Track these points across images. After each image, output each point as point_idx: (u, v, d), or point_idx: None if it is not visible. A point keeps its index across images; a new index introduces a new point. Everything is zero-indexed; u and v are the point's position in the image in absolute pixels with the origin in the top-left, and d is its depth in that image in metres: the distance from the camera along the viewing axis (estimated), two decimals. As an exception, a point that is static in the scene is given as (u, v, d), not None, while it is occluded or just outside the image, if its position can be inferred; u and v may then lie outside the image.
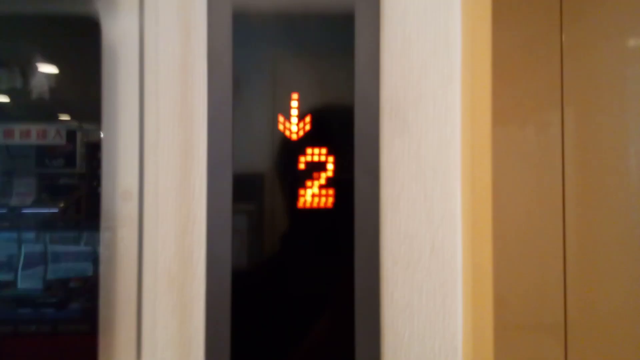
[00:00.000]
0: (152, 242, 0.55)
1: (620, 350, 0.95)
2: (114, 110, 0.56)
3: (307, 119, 0.55)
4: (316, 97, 0.56)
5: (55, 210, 0.63)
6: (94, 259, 0.58)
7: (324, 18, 0.56)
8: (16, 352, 0.58)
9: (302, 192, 0.55)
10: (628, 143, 0.97)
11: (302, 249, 0.56)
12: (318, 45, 0.56)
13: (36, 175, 0.62)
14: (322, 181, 0.55)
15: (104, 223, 0.55)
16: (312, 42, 0.56)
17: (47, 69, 0.52)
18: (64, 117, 0.59)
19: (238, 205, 0.54)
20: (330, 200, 0.55)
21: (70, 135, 0.59)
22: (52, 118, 0.58)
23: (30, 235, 0.64)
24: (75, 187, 0.64)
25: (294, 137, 0.55)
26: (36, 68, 0.51)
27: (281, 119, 0.55)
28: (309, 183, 0.55)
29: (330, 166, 0.55)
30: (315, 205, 0.55)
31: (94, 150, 0.60)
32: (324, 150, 0.55)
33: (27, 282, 0.62)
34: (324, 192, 0.55)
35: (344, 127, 0.56)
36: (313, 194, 0.55)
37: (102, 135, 0.52)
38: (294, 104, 0.55)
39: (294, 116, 0.55)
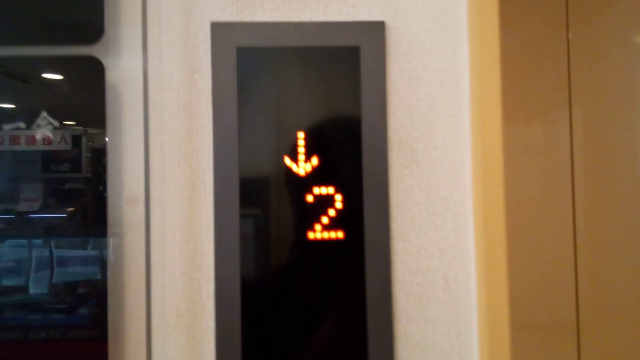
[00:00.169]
0: (159, 246, 0.55)
1: (633, 348, 0.93)
2: (119, 149, 0.56)
3: (314, 157, 0.55)
4: (323, 133, 0.55)
5: (62, 215, 0.63)
6: (102, 263, 0.59)
7: (329, 53, 0.55)
8: (28, 356, 0.58)
9: (310, 226, 0.55)
10: (636, 141, 0.95)
11: (312, 283, 0.55)
12: (324, 80, 0.55)
13: (42, 180, 0.63)
14: (331, 214, 0.55)
15: (111, 229, 0.55)
16: (317, 78, 0.55)
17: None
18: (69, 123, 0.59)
19: (245, 237, 0.54)
20: (340, 234, 0.55)
21: (76, 140, 0.59)
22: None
23: (38, 240, 0.64)
24: (81, 192, 0.64)
25: (302, 173, 0.55)
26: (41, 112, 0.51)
27: (287, 158, 0.55)
28: (317, 217, 0.55)
29: (338, 197, 0.55)
30: (325, 238, 0.55)
31: (99, 155, 0.60)
32: (331, 187, 0.54)
33: (38, 287, 0.63)
34: (332, 225, 0.55)
35: (351, 161, 0.55)
36: (322, 228, 0.55)
37: (107, 184, 0.52)
38: (301, 142, 0.54)
39: (300, 154, 0.54)
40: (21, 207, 0.62)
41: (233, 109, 0.54)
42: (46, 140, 0.56)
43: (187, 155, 0.55)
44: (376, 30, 0.55)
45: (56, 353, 0.60)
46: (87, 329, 0.61)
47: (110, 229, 0.55)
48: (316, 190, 0.55)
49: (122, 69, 0.55)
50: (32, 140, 0.56)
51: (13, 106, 0.59)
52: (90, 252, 0.67)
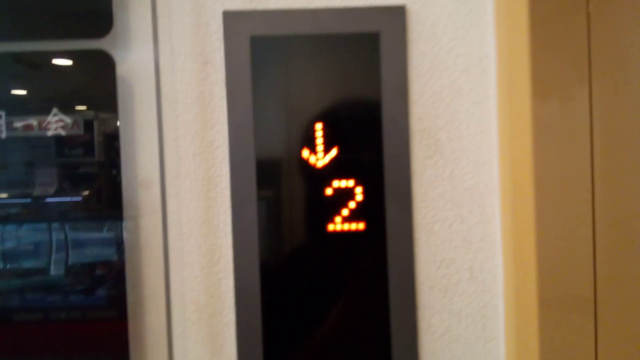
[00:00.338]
0: (177, 242, 0.56)
1: None
2: (132, 139, 0.55)
3: (333, 148, 0.53)
4: (342, 124, 0.54)
5: (77, 198, 0.65)
6: (118, 245, 0.61)
7: (347, 40, 0.53)
8: (48, 337, 0.60)
9: (330, 219, 0.54)
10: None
11: (333, 275, 0.55)
12: (342, 68, 0.54)
13: (57, 165, 0.64)
14: (352, 206, 0.54)
15: (126, 212, 0.56)
16: (335, 66, 0.54)
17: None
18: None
19: (264, 231, 0.54)
20: (361, 225, 0.54)
21: (87, 125, 0.60)
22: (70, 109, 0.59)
23: (56, 223, 0.66)
24: (95, 176, 0.65)
25: (320, 165, 0.54)
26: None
27: (306, 150, 0.53)
28: (337, 210, 0.54)
29: (358, 189, 0.54)
30: (345, 230, 0.54)
31: (112, 139, 0.61)
32: (351, 179, 0.53)
33: (57, 268, 0.65)
34: (353, 217, 0.54)
35: (372, 152, 0.54)
36: (342, 220, 0.54)
37: (122, 179, 0.51)
38: (319, 133, 0.53)
39: (319, 145, 0.53)
40: (37, 191, 0.63)
41: (248, 100, 0.53)
42: (26, 128, 0.56)
43: (202, 149, 0.55)
44: (396, 15, 0.53)
45: (76, 332, 0.61)
46: (105, 309, 0.63)
47: (126, 212, 0.56)
48: (335, 182, 0.54)
49: (133, 62, 0.54)
50: (45, 126, 0.56)
51: (24, 92, 0.59)
52: (106, 234, 0.68)
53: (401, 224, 0.54)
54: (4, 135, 0.50)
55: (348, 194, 0.54)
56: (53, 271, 0.67)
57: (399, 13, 0.53)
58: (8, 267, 0.67)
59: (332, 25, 0.53)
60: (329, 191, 0.54)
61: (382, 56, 0.53)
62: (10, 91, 0.55)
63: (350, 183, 0.54)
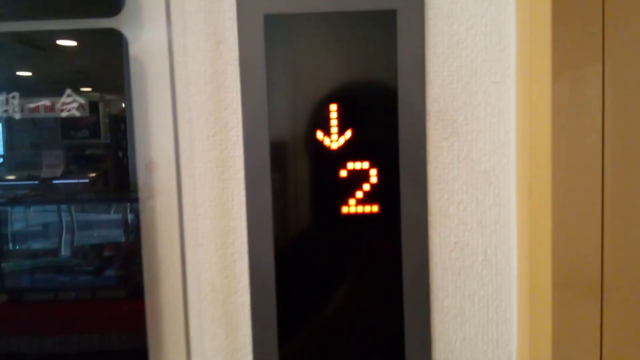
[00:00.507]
0: (192, 223, 0.57)
1: None
2: (145, 119, 0.55)
3: (348, 130, 0.53)
4: (357, 105, 0.54)
5: (85, 180, 0.65)
6: (127, 226, 0.62)
7: (363, 18, 0.52)
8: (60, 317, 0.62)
9: (344, 201, 0.54)
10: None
11: (346, 256, 0.56)
12: (357, 47, 0.53)
13: (63, 147, 0.64)
14: (366, 188, 0.54)
15: (141, 193, 0.57)
16: (350, 45, 0.53)
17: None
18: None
19: (278, 213, 0.54)
20: (375, 208, 0.54)
21: (93, 106, 0.60)
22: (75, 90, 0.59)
23: (64, 205, 0.68)
24: (102, 157, 0.66)
25: (335, 147, 0.54)
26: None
27: (320, 132, 0.53)
28: (351, 192, 0.54)
29: (373, 171, 0.54)
30: (359, 212, 0.54)
31: (117, 121, 0.62)
32: (366, 161, 0.54)
33: (68, 249, 0.67)
34: (367, 200, 0.54)
35: (387, 134, 0.54)
36: (356, 202, 0.54)
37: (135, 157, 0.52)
38: (334, 114, 0.53)
39: (333, 127, 0.53)
40: (44, 173, 0.64)
41: (262, 81, 0.53)
42: (35, 110, 0.57)
43: (216, 131, 0.55)
44: None
45: (95, 311, 0.63)
46: (120, 289, 0.64)
47: (141, 193, 0.57)
48: (350, 164, 0.54)
49: (145, 41, 0.54)
50: (50, 108, 0.56)
51: (29, 74, 0.59)
52: (114, 215, 0.69)
53: (416, 207, 0.54)
54: (18, 116, 0.50)
55: (362, 176, 0.54)
56: (65, 252, 0.68)
57: None
58: (26, 248, 0.68)
59: (348, 3, 0.52)
60: (343, 173, 0.54)
61: (398, 35, 0.52)
62: (15, 72, 0.55)
63: (365, 165, 0.53)
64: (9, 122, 0.59)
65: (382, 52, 0.53)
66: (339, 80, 0.53)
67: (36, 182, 0.65)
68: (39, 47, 0.55)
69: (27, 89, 0.53)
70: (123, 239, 0.68)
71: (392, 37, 0.52)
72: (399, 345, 0.55)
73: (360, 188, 0.54)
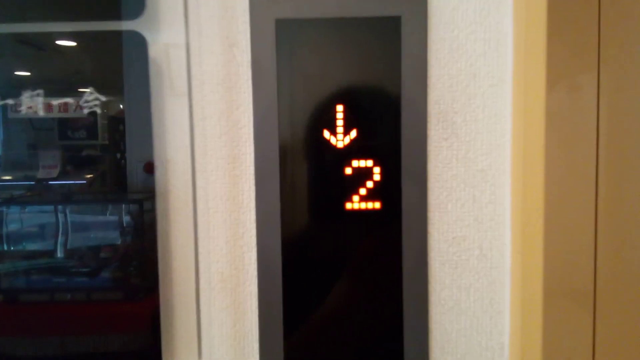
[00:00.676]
0: (204, 216, 0.58)
1: None
2: (162, 118, 0.58)
3: (353, 129, 0.55)
4: (362, 106, 0.56)
5: (82, 181, 0.65)
6: (129, 227, 0.63)
7: (369, 23, 0.54)
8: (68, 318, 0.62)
9: (348, 197, 0.56)
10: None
11: (349, 250, 0.58)
12: (363, 51, 0.55)
13: (60, 147, 0.63)
14: (369, 185, 0.56)
15: (158, 188, 0.58)
16: (357, 49, 0.55)
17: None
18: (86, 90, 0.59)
19: (286, 207, 0.56)
20: (377, 204, 0.56)
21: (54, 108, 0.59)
22: (74, 91, 0.59)
23: (59, 206, 0.66)
24: (98, 159, 0.65)
25: (340, 145, 0.56)
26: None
27: (326, 131, 0.56)
28: (355, 189, 0.56)
29: (376, 169, 0.56)
30: (362, 208, 0.56)
31: (116, 122, 0.62)
32: (370, 159, 0.56)
33: (66, 251, 0.66)
34: (370, 196, 0.56)
35: (390, 134, 0.56)
36: (360, 199, 0.56)
37: (154, 158, 0.54)
38: (340, 115, 0.55)
39: (339, 126, 0.55)
40: (40, 174, 0.64)
41: (272, 82, 0.55)
42: (62, 108, 0.57)
43: (228, 129, 0.57)
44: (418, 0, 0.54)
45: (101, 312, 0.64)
46: (116, 290, 0.65)
47: (157, 188, 0.59)
48: (355, 162, 0.56)
49: (164, 44, 0.56)
50: (48, 107, 0.57)
51: (28, 74, 0.59)
52: (126, 218, 0.69)
53: (416, 203, 0.56)
54: (41, 113, 0.52)
55: (366, 173, 0.56)
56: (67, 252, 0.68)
57: None
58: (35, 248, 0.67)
59: (355, 9, 0.54)
60: (348, 171, 0.56)
61: (402, 40, 0.54)
62: (39, 71, 0.56)
63: (369, 163, 0.56)
64: (6, 122, 0.60)
65: (386, 56, 0.55)
66: (345, 82, 0.55)
67: (59, 181, 0.64)
68: (37, 46, 0.57)
69: (50, 87, 0.55)
70: (132, 239, 0.68)
71: (396, 42, 0.54)
72: (398, 334, 0.57)
73: (364, 185, 0.56)
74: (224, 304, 0.59)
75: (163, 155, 0.57)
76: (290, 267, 0.57)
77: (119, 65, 0.53)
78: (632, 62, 0.93)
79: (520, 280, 0.56)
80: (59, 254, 0.65)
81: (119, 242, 0.66)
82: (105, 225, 0.68)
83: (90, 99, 0.52)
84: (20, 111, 0.53)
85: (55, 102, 0.52)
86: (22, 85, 0.54)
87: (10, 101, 0.55)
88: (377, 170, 0.56)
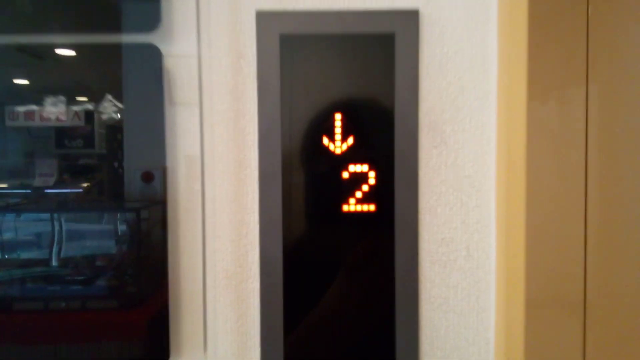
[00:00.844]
0: (211, 217, 0.61)
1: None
2: (174, 125, 0.61)
3: (350, 137, 0.59)
4: (358, 115, 0.59)
5: (78, 190, 0.65)
6: (126, 236, 0.64)
7: (366, 39, 0.58)
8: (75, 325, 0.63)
9: (345, 200, 0.59)
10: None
11: (346, 250, 0.60)
12: (360, 65, 0.59)
13: (57, 156, 0.64)
14: (365, 189, 0.59)
15: (169, 191, 0.60)
16: (354, 63, 0.59)
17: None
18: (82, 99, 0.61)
19: (287, 209, 0.59)
20: (372, 207, 0.59)
21: (88, 116, 0.61)
22: (71, 100, 0.60)
23: (55, 214, 0.66)
24: (94, 167, 0.65)
25: (338, 151, 0.59)
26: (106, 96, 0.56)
27: (325, 138, 0.59)
28: (351, 192, 0.59)
29: (371, 174, 0.59)
30: (358, 210, 0.59)
31: (114, 131, 0.62)
32: (365, 165, 0.59)
33: (62, 259, 0.65)
34: (365, 199, 0.59)
35: (384, 142, 0.59)
36: (356, 201, 0.59)
37: (167, 163, 0.57)
38: (338, 123, 0.59)
39: (337, 134, 0.59)
40: (37, 182, 0.64)
41: (276, 92, 0.58)
42: (59, 117, 0.58)
43: (235, 136, 0.60)
44: (410, 19, 0.58)
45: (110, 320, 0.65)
46: (111, 298, 0.65)
47: (169, 191, 0.62)
48: (351, 167, 0.59)
49: (177, 56, 0.59)
50: (93, 112, 0.59)
51: (26, 82, 0.61)
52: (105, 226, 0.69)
53: (408, 207, 0.60)
54: (64, 118, 0.55)
55: (362, 178, 0.59)
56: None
57: (413, 17, 0.58)
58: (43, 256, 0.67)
59: (353, 26, 0.58)
60: (345, 175, 0.59)
61: (396, 55, 0.58)
62: (61, 79, 0.59)
63: (365, 168, 0.59)
64: (3, 130, 0.60)
65: (381, 69, 0.58)
66: (344, 93, 0.59)
67: (78, 190, 0.65)
68: (34, 55, 0.58)
69: (70, 95, 0.58)
70: (136, 247, 0.68)
71: (390, 57, 0.58)
72: (390, 329, 0.59)
73: (360, 189, 0.59)
74: (228, 300, 0.61)
75: (174, 160, 0.60)
76: (290, 266, 0.60)
77: (134, 74, 0.57)
78: (620, 75, 0.97)
79: (504, 280, 0.59)
80: (54, 262, 0.65)
81: (124, 250, 0.67)
82: (110, 234, 0.68)
83: (108, 105, 0.55)
84: (48, 118, 0.56)
85: (76, 107, 0.56)
86: (44, 93, 0.57)
87: (22, 108, 0.58)
88: (372, 174, 0.59)
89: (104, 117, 0.55)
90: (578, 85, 0.97)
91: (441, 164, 0.60)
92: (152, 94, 0.58)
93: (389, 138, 0.59)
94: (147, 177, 0.61)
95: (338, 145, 0.59)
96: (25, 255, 0.65)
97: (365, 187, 0.59)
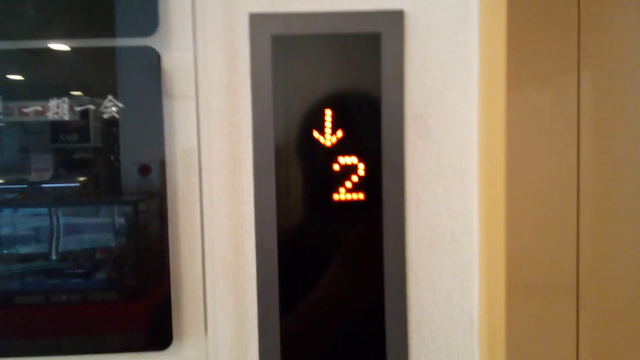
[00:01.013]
0: (209, 208, 0.63)
1: (634, 312, 0.96)
2: (173, 122, 0.64)
3: (339, 130, 0.62)
4: (347, 110, 0.62)
5: (75, 184, 0.65)
6: (122, 229, 0.65)
7: (354, 39, 0.61)
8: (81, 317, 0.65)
9: (336, 190, 0.62)
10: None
11: (337, 237, 0.63)
12: (349, 63, 0.61)
13: (52, 150, 0.64)
14: (354, 179, 0.62)
15: (169, 184, 0.62)
16: (343, 61, 0.61)
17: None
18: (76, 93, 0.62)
19: (280, 200, 0.62)
20: (361, 196, 0.62)
21: (83, 111, 0.62)
22: (66, 95, 0.61)
23: (53, 208, 0.66)
24: (91, 161, 0.66)
25: (328, 144, 0.62)
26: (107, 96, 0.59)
27: (316, 132, 0.62)
28: (342, 182, 0.62)
29: (360, 165, 0.62)
30: (348, 199, 0.62)
31: (109, 126, 0.63)
32: (354, 157, 0.62)
33: (61, 253, 0.65)
34: (355, 189, 0.62)
35: (372, 134, 0.62)
36: (346, 191, 0.62)
37: (166, 157, 0.60)
38: (328, 118, 0.61)
39: (327, 128, 0.61)
40: (33, 177, 0.64)
41: (269, 90, 0.61)
42: (107, 111, 0.60)
43: (230, 131, 0.63)
44: (396, 18, 0.60)
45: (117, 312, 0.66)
46: (110, 290, 0.66)
47: (169, 184, 0.64)
48: (341, 159, 0.62)
49: (174, 58, 0.62)
50: (95, 110, 0.59)
51: (21, 78, 0.61)
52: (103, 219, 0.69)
53: (395, 195, 0.62)
54: (67, 117, 0.58)
55: (351, 169, 0.62)
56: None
57: (398, 17, 0.61)
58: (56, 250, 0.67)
59: (341, 27, 0.60)
60: (335, 167, 0.61)
61: (382, 53, 0.60)
62: (65, 80, 0.61)
63: (354, 160, 0.61)
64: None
65: (368, 67, 0.61)
66: (333, 90, 0.61)
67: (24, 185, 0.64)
68: (29, 50, 0.59)
69: (68, 92, 0.60)
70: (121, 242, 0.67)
71: (377, 55, 0.61)
72: (380, 309, 0.62)
73: (350, 179, 0.61)
74: (227, 285, 0.64)
75: (172, 153, 0.63)
76: (284, 252, 0.62)
77: (133, 75, 0.60)
78: (612, 62, 0.98)
79: (486, 261, 0.62)
80: (53, 256, 0.65)
81: (123, 242, 0.67)
82: (109, 227, 0.67)
83: (109, 105, 0.58)
84: (47, 115, 0.59)
85: (79, 107, 0.59)
86: (49, 92, 0.60)
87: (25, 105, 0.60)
88: (361, 166, 0.62)
89: (105, 116, 0.58)
90: (554, 76, 0.98)
91: (426, 155, 0.63)
92: (150, 91, 0.60)
93: (377, 131, 0.61)
94: (144, 169, 0.62)
95: (328, 139, 0.62)
96: (24, 250, 0.66)
97: (354, 178, 0.62)
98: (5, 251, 0.66)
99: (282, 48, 0.61)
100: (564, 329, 0.98)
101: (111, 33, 0.60)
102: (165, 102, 0.63)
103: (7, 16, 0.60)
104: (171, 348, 0.64)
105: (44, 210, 0.67)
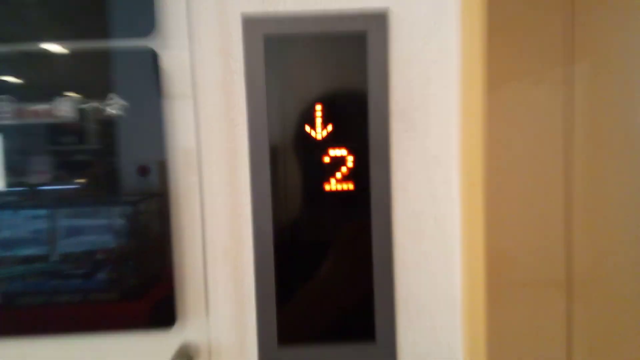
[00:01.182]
0: (209, 198, 0.65)
1: (626, 307, 0.97)
2: (173, 120, 0.66)
3: (329, 124, 0.64)
4: (336, 105, 0.64)
5: (75, 185, 0.65)
6: (122, 230, 0.65)
7: (342, 38, 0.63)
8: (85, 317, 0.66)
9: (327, 180, 0.65)
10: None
11: (329, 224, 0.66)
12: (337, 60, 0.64)
13: (50, 152, 0.64)
14: (344, 170, 0.65)
15: (171, 176, 0.63)
16: (331, 59, 0.63)
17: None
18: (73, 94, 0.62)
19: (276, 190, 0.65)
20: (351, 186, 0.65)
21: (83, 112, 0.62)
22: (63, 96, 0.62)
23: (53, 210, 0.66)
24: (88, 163, 0.66)
25: (319, 138, 0.65)
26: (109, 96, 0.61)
27: (307, 126, 0.64)
28: (332, 173, 0.65)
29: (350, 157, 0.65)
30: (338, 189, 0.65)
31: (108, 126, 0.63)
32: (344, 149, 0.64)
33: (63, 254, 0.65)
34: (344, 179, 0.65)
35: (360, 128, 0.64)
36: (336, 181, 0.65)
37: (167, 158, 0.63)
38: (318, 113, 0.64)
39: (318, 122, 0.64)
40: (33, 179, 0.64)
41: (262, 87, 0.63)
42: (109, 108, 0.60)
43: (226, 126, 0.65)
44: (381, 18, 0.63)
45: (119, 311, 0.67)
46: (112, 291, 0.66)
47: (171, 176, 0.66)
48: (331, 152, 0.64)
49: (171, 57, 0.64)
50: (98, 108, 0.60)
51: (20, 81, 0.62)
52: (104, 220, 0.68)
53: (382, 184, 0.64)
54: (68, 118, 0.61)
55: (341, 161, 0.64)
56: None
57: (383, 16, 0.63)
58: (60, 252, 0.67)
59: (329, 26, 0.62)
60: (326, 159, 0.64)
61: (368, 51, 0.63)
62: (68, 80, 0.63)
63: (343, 152, 0.64)
64: (2, 128, 0.62)
65: (355, 64, 0.63)
66: (322, 86, 0.64)
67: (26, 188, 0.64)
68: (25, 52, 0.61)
69: (68, 93, 0.61)
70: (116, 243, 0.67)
71: (363, 53, 0.63)
72: (369, 290, 0.64)
73: (340, 170, 0.64)
74: (226, 270, 0.67)
75: (174, 149, 0.66)
76: (280, 239, 0.65)
77: (133, 76, 0.62)
78: (606, 56, 0.99)
79: (467, 245, 0.65)
80: (54, 257, 0.65)
81: (123, 243, 0.67)
82: (109, 228, 0.67)
83: (112, 102, 0.61)
84: (53, 114, 0.61)
85: (83, 105, 0.62)
86: (49, 94, 0.62)
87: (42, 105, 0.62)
88: (350, 158, 0.64)
89: (105, 116, 0.60)
90: (532, 70, 0.99)
91: (411, 146, 0.66)
92: (151, 91, 0.63)
93: (364, 125, 0.64)
94: (143, 170, 0.64)
95: (319, 132, 0.64)
96: (25, 252, 0.66)
97: (344, 169, 0.65)
98: (6, 253, 0.65)
99: (273, 47, 0.63)
100: (542, 304, 1.03)
101: (109, 34, 0.61)
102: (163, 101, 0.65)
103: (7, 19, 0.61)
104: (175, 327, 0.67)
105: (44, 212, 0.67)
